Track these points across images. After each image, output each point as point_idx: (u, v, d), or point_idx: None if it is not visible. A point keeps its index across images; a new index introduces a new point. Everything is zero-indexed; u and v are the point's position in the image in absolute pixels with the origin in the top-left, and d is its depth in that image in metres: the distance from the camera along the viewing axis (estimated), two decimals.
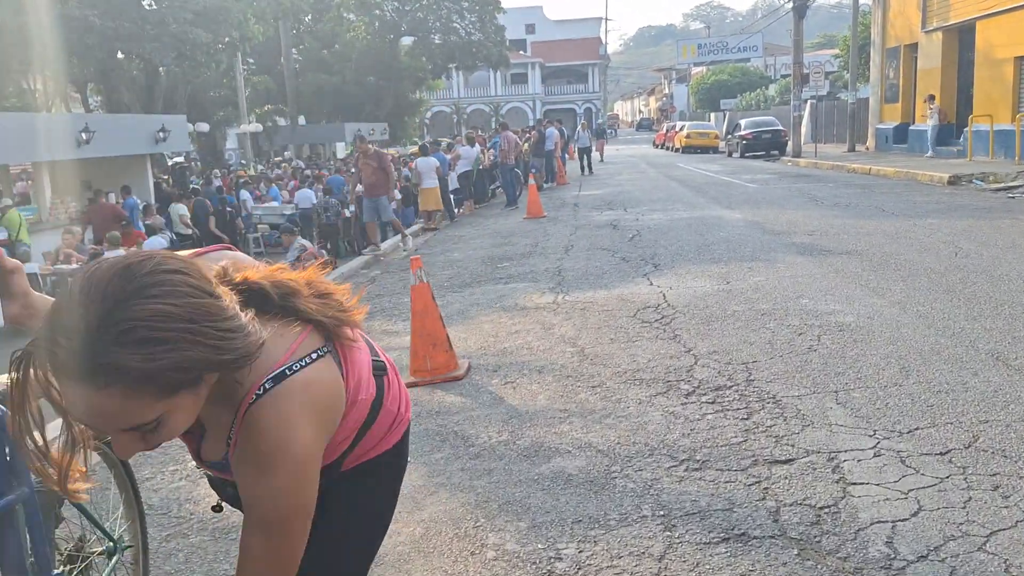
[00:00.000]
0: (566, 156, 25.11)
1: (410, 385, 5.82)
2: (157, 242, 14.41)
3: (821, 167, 24.10)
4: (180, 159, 30.66)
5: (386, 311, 8.70)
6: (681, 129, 41.76)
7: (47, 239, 15.42)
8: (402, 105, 40.37)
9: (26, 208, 19.02)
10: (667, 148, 43.84)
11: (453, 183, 17.76)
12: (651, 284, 8.54)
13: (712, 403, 4.95)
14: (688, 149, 38.23)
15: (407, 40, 40.77)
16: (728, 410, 4.81)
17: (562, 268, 9.96)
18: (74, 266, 13.38)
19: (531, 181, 16.29)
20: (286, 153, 38.67)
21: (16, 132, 14.69)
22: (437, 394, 5.64)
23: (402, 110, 40.85)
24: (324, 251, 15.43)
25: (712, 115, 53.01)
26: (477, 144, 18.33)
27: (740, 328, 6.53)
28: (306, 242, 11.14)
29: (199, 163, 32.21)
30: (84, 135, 16.22)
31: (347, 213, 17.36)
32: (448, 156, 18.13)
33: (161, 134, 19.06)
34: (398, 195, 16.15)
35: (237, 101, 30.44)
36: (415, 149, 23.04)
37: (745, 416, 4.69)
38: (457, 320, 7.75)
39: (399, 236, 14.58)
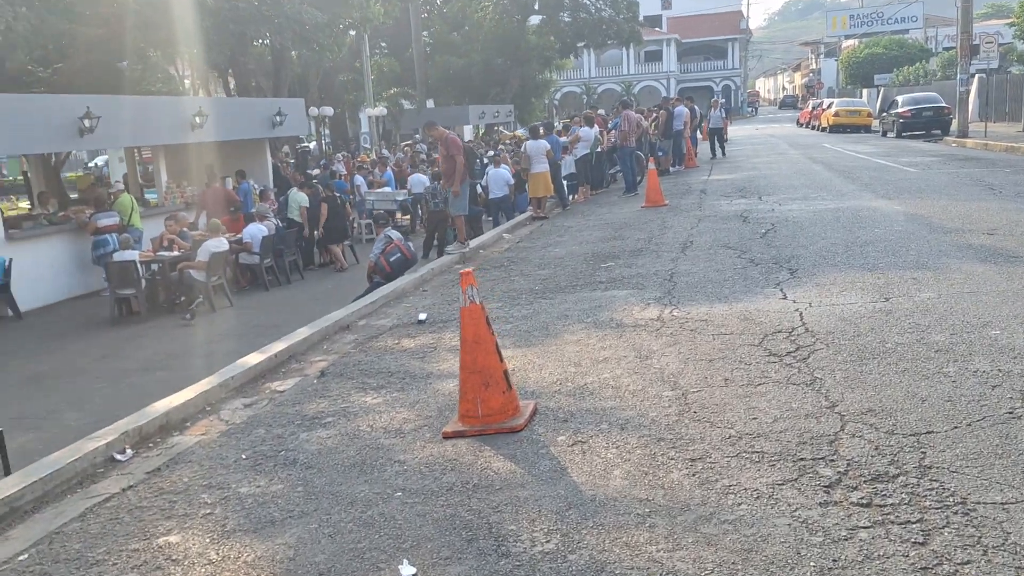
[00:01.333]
0: (698, 137, 22.98)
1: (454, 435, 4.46)
2: (256, 230, 13.73)
3: (992, 149, 20.89)
4: (310, 144, 30.62)
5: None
6: (829, 106, 38.14)
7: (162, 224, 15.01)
8: (528, 86, 39.02)
9: (151, 190, 19.07)
10: (812, 127, 40.29)
11: (569, 167, 16.26)
12: (785, 298, 6.78)
13: (867, 506, 3.29)
14: (836, 128, 34.76)
15: (535, 20, 39.31)
16: (892, 523, 3.14)
17: (675, 272, 8.29)
18: (175, 253, 12.86)
19: (651, 166, 14.54)
20: (416, 136, 38.26)
21: (132, 116, 14.36)
22: (484, 453, 4.23)
23: (529, 91, 39.51)
24: (427, 242, 14.33)
25: (864, 91, 48.57)
26: (596, 125, 16.72)
27: (906, 372, 4.74)
28: (394, 234, 10.01)
29: (329, 146, 32.12)
30: (198, 119, 15.80)
31: None
32: (565, 138, 16.63)
33: (278, 118, 18.54)
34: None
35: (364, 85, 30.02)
36: (519, 133, 21.63)
37: (920, 539, 3.02)
38: (537, 337, 6.31)
39: (501, 228, 13.27)
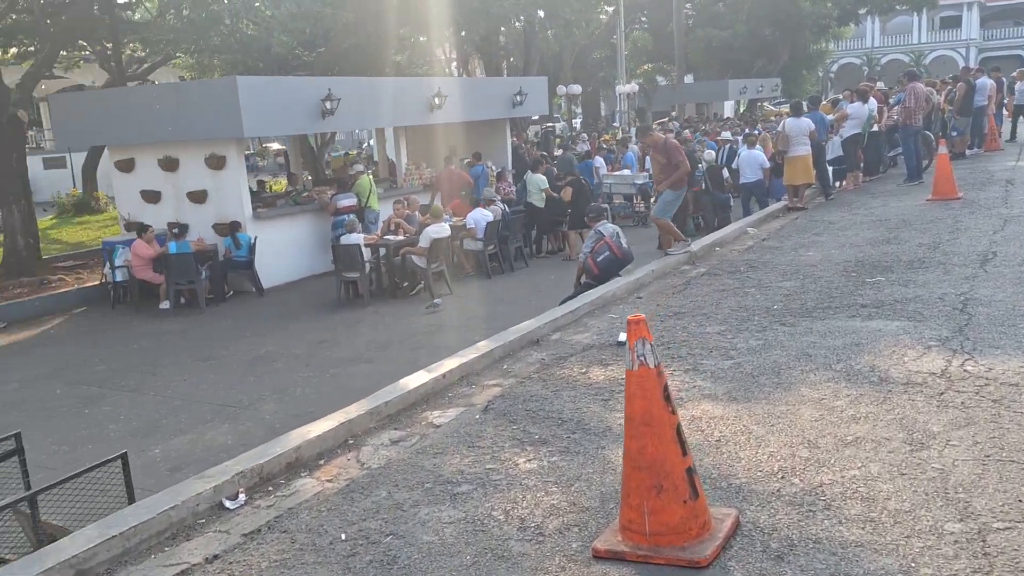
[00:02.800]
0: (1003, 114, 18.85)
1: (608, 556, 3.05)
2: (481, 215, 13.00)
3: None
4: (555, 125, 29.89)
5: (671, 353, 5.83)
6: None
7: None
8: (799, 58, 35.21)
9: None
10: None
11: (835, 150, 13.75)
12: None
13: None
14: None
15: None
16: None
17: (971, 298, 6.11)
18: (400, 237, 12.49)
19: (942, 149, 11.71)
20: (672, 113, 36.26)
21: (372, 98, 14.28)
22: None
23: (799, 63, 35.68)
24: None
25: None
26: (873, 100, 14.00)
27: None
28: (607, 229, 8.62)
29: (576, 126, 31.23)
30: (438, 100, 15.44)
31: (700, 184, 14.40)
32: (831, 116, 14.13)
33: (518, 97, 17.81)
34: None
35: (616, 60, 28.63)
36: (784, 109, 18.97)
37: None
38: (762, 387, 4.67)
39: (747, 221, 11.35)
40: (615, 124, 30.01)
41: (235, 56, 18.54)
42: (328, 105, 13.07)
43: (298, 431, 4.71)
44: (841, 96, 15.39)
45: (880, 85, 16.05)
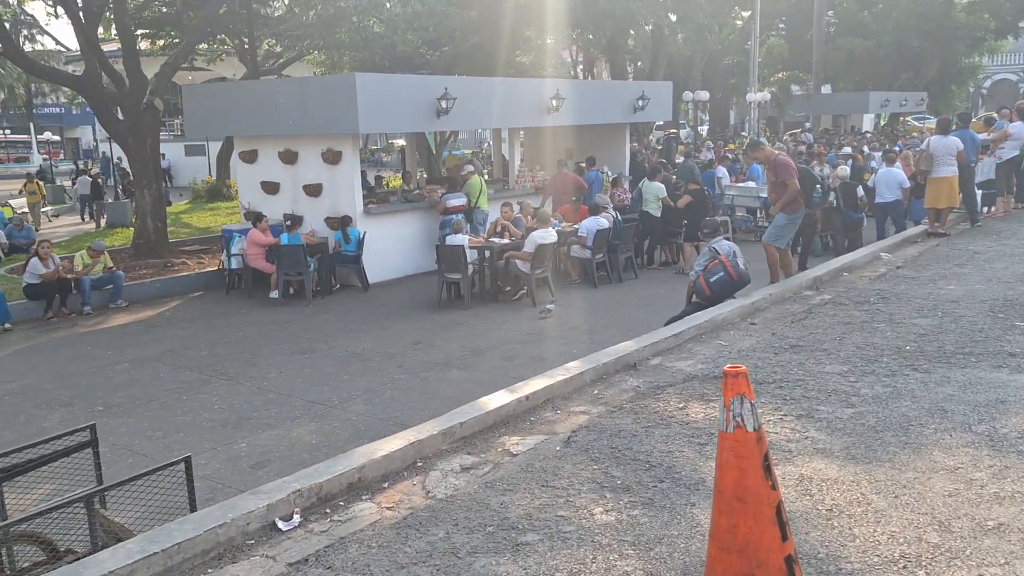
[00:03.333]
0: None
1: None
2: (593, 223, 12.52)
3: None
4: (681, 131, 28.88)
5: (782, 394, 5.21)
6: None
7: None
8: (949, 71, 32.69)
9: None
10: None
11: (986, 172, 12.44)
12: None
13: None
14: None
15: None
16: None
17: None
18: (505, 240, 12.19)
19: None
20: (807, 125, 34.51)
21: (489, 98, 14.05)
22: None
23: (949, 77, 33.14)
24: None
25: None
26: None
27: None
28: (724, 246, 7.95)
29: (703, 134, 30.15)
30: (554, 102, 15.06)
31: (831, 201, 13.39)
32: (986, 135, 12.79)
33: (640, 102, 17.18)
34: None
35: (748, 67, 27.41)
36: (928, 125, 17.43)
37: None
38: (887, 445, 4.02)
39: (881, 245, 10.37)
40: (743, 133, 28.76)
41: (363, 54, 18.85)
42: (443, 104, 12.93)
43: (365, 448, 4.42)
44: (996, 114, 13.98)
45: None
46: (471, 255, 11.75)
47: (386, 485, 4.16)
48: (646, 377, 5.77)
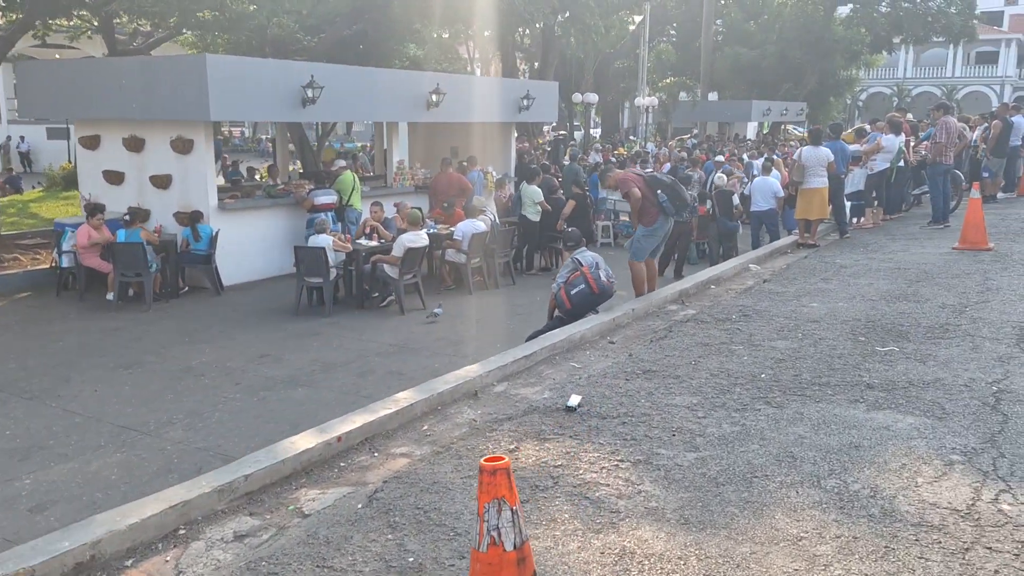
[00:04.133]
0: None
1: None
2: (469, 226, 11.84)
3: None
4: (577, 133, 28.59)
5: (624, 433, 4.65)
6: None
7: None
8: (828, 83, 33.74)
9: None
10: None
11: (855, 184, 12.47)
12: None
13: None
14: None
15: (844, 10, 33.85)
16: None
17: (1006, 389, 4.87)
18: (373, 243, 11.35)
19: (974, 193, 10.41)
20: (694, 131, 34.94)
21: (362, 89, 13.13)
22: None
23: (827, 89, 34.20)
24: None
25: None
26: (903, 134, 12.70)
27: None
28: (587, 257, 7.42)
29: (592, 137, 29.98)
30: (434, 97, 14.28)
31: (706, 209, 13.18)
32: (857, 146, 12.84)
33: (525, 101, 16.60)
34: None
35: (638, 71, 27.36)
36: (803, 135, 17.63)
37: None
38: (728, 503, 3.47)
39: (752, 255, 10.11)
40: (632, 137, 28.73)
41: (238, 36, 17.50)
42: (310, 93, 11.95)
43: (111, 513, 3.56)
44: (868, 126, 14.09)
45: (909, 117, 14.74)
46: (335, 258, 10.83)
47: (129, 564, 3.32)
48: (486, 408, 5.11)
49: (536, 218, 13.20)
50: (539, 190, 13.26)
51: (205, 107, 10.84)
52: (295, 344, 9.26)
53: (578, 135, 33.07)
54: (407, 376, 8.07)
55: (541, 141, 23.40)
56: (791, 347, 5.96)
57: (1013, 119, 14.76)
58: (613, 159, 18.65)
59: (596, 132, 33.92)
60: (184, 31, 19.75)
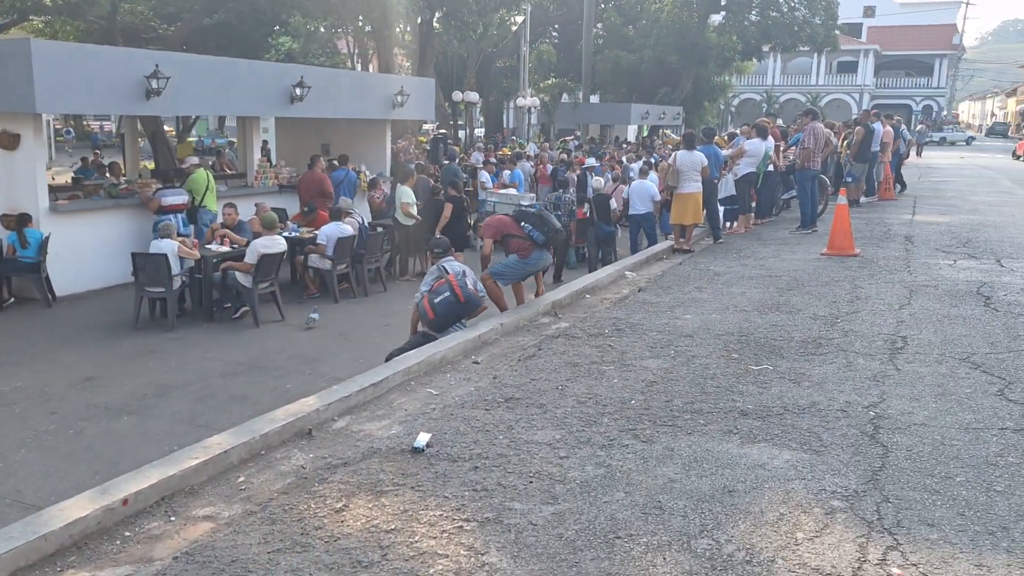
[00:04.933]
0: (898, 162, 18.06)
1: None
2: (333, 230, 10.95)
3: None
4: (462, 132, 27.89)
5: (476, 481, 4.01)
6: None
7: (245, 210, 12.35)
8: (703, 89, 34.51)
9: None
10: None
11: (727, 188, 12.40)
12: None
13: None
14: None
15: (717, 18, 34.69)
16: None
17: (884, 415, 4.53)
18: (224, 249, 10.28)
19: (841, 199, 10.44)
20: (577, 133, 34.92)
21: (217, 81, 11.95)
22: None
23: (702, 94, 34.99)
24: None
25: None
26: (771, 138, 12.73)
27: None
28: (454, 266, 6.77)
29: (473, 136, 29.40)
30: (299, 91, 13.25)
31: (584, 212, 12.77)
32: (727, 151, 12.79)
33: (399, 97, 15.78)
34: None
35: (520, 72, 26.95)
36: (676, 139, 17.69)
37: None
38: (582, 569, 2.88)
39: (628, 262, 9.74)
40: (514, 137, 28.32)
41: (89, 24, 15.87)
42: (154, 84, 10.75)
43: None
44: (738, 131, 14.10)
45: (779, 122, 14.89)
46: (180, 265, 9.71)
47: None
48: (321, 450, 4.36)
49: (408, 222, 12.43)
50: (410, 191, 12.49)
51: (30, 97, 9.53)
52: (129, 364, 8.17)
53: (462, 134, 32.46)
54: (252, 400, 7.19)
55: (424, 140, 22.56)
56: (663, 367, 5.49)
57: (874, 125, 15.16)
58: (494, 160, 18.06)
59: (480, 132, 33.35)
60: (30, 17, 17.89)
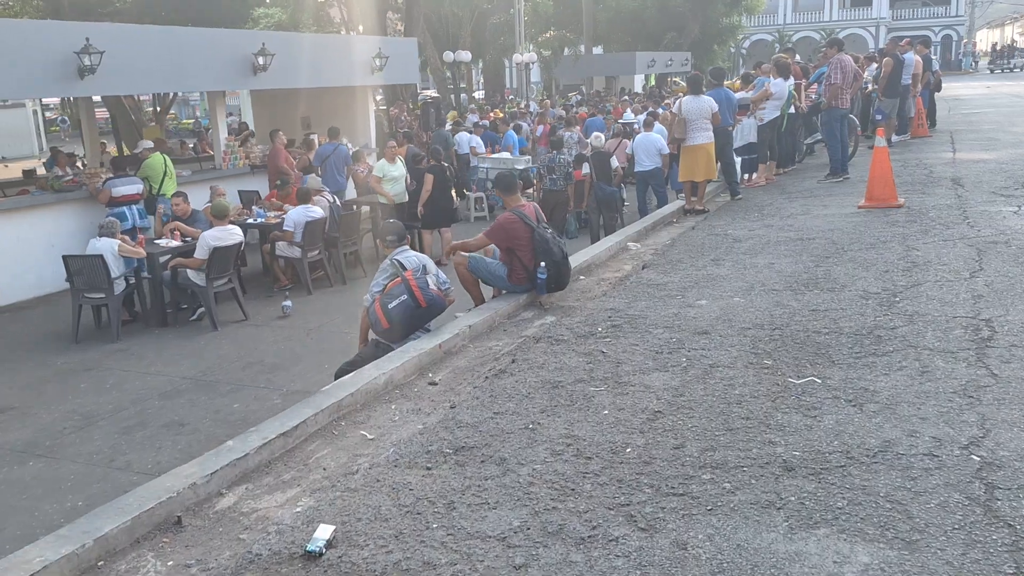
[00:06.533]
0: (930, 96, 16.12)
1: None
2: (300, 214, 9.54)
3: None
4: (434, 93, 26.14)
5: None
6: None
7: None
8: (711, 32, 32.26)
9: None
10: None
11: (744, 136, 10.74)
12: None
13: None
14: None
15: None
16: None
17: (995, 458, 3.04)
18: (175, 244, 8.92)
19: (879, 140, 8.78)
20: (582, 87, 32.92)
21: (163, 55, 10.44)
22: None
23: (710, 37, 32.75)
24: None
25: None
26: (792, 77, 11.01)
27: None
28: (411, 259, 5.35)
29: (467, 98, 27.62)
30: (261, 60, 11.73)
31: (582, 173, 11.21)
32: (745, 93, 11.12)
33: (378, 61, 14.19)
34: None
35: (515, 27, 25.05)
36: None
37: None
38: None
39: (632, 229, 8.21)
40: (511, 97, 26.51)
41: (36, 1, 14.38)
42: (87, 60, 9.31)
43: None
44: (752, 71, 12.34)
45: (797, 59, 13.08)
46: (122, 266, 8.36)
47: None
48: (185, 551, 2.99)
49: (382, 199, 10.92)
50: (386, 164, 10.99)
51: None
52: (56, 387, 6.90)
53: (464, 97, 30.66)
54: (189, 428, 5.91)
55: (417, 107, 20.93)
56: (671, 386, 4.02)
57: (904, 56, 13.33)
58: (484, 123, 16.44)
59: (479, 94, 31.54)
60: None
